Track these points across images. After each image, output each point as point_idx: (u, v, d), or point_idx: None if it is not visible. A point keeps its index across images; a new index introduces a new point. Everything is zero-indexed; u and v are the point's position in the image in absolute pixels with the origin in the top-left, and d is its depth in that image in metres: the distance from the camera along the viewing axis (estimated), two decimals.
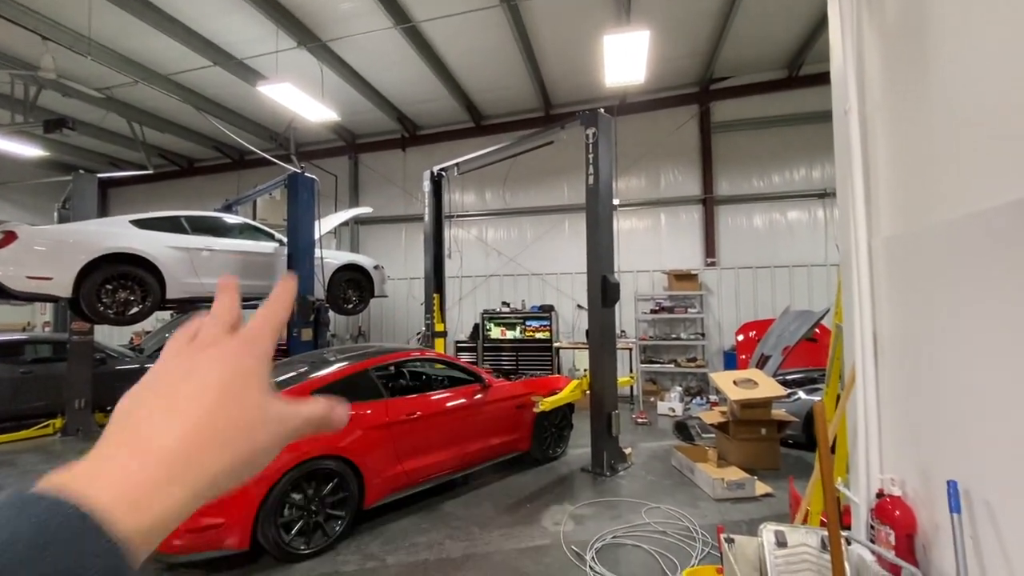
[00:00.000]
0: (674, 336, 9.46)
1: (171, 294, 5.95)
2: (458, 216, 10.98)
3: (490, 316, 10.31)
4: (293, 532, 3.40)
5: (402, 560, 3.46)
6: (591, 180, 5.26)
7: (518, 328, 10.10)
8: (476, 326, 10.50)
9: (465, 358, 9.72)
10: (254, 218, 8.34)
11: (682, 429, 6.68)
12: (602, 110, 5.39)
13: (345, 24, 7.45)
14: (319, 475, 3.55)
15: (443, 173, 7.66)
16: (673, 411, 7.76)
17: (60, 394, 7.48)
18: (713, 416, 5.88)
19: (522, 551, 3.56)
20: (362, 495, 3.78)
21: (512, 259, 10.98)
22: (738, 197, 9.78)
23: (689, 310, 9.31)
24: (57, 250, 5.25)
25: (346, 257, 7.92)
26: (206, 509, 3.07)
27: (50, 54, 6.86)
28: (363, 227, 12.21)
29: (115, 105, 9.62)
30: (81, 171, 7.96)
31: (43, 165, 12.48)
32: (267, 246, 7.06)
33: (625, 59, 6.11)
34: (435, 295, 7.59)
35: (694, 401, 8.22)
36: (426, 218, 7.60)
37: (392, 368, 5.12)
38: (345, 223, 10.09)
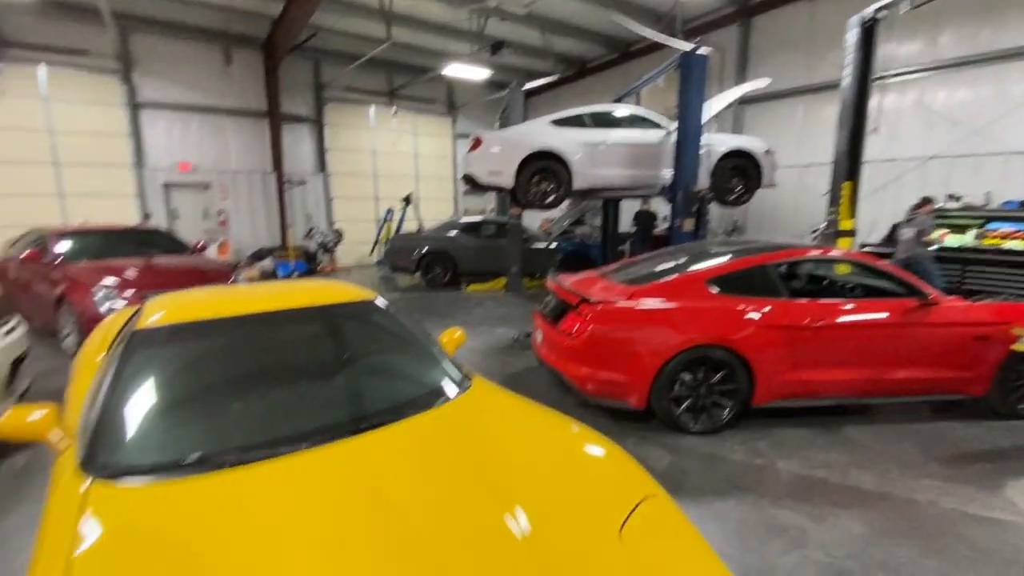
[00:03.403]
0: None
1: (576, 185, 6.87)
2: (892, 75, 8.21)
3: None
4: (682, 407, 3.60)
5: (795, 469, 3.20)
6: None
7: (970, 232, 7.25)
8: (894, 226, 8.11)
9: None
10: None
11: None
12: None
13: None
14: (710, 362, 3.56)
15: (880, 15, 5.67)
16: None
17: (503, 261, 10.19)
18: None
19: (971, 517, 2.72)
20: (751, 392, 3.63)
21: (978, 131, 7.63)
22: None
23: None
24: (504, 150, 6.75)
25: (734, 142, 7.22)
26: (615, 365, 3.56)
27: None
28: (749, 107, 10.81)
29: (533, 20, 11.18)
30: (514, 83, 9.81)
31: (484, 86, 16.10)
32: (654, 135, 7.13)
33: None
34: (846, 183, 6.12)
35: None
36: (845, 81, 5.96)
37: (789, 267, 4.51)
38: (730, 104, 9.11)
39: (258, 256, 11.46)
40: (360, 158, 14.84)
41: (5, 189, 9.75)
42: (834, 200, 6.18)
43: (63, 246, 5.91)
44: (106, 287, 5.12)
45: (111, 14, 9.04)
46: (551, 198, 6.92)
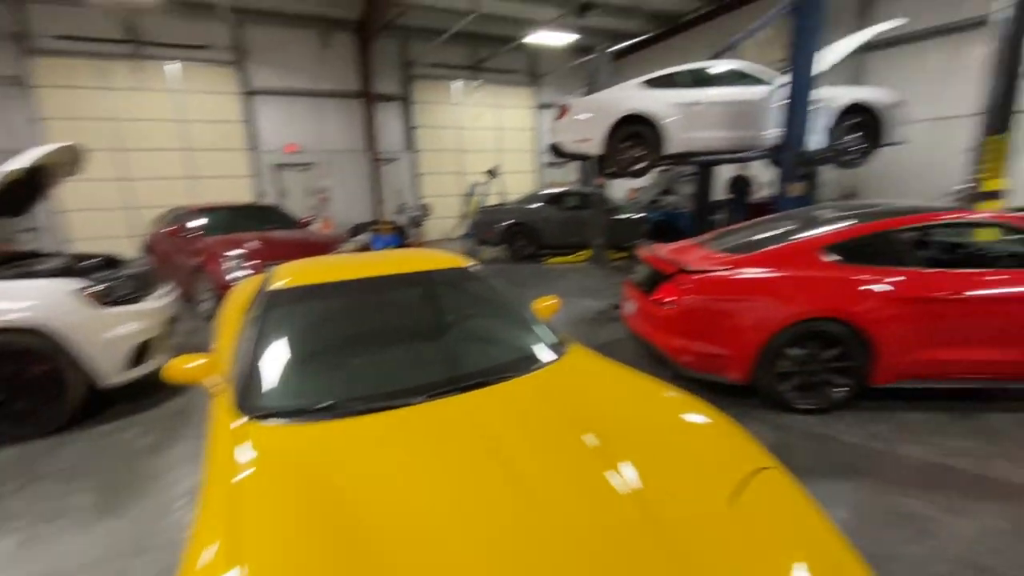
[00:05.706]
0: None
1: (669, 149, 6.52)
2: None
3: None
4: (790, 385, 3.37)
5: (922, 456, 2.90)
6: None
7: None
8: None
9: None
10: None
11: None
12: None
13: None
14: (823, 337, 3.29)
15: None
16: None
17: (586, 233, 10.02)
18: None
19: None
20: (869, 370, 3.31)
21: None
22: None
23: None
24: (593, 116, 6.54)
25: (855, 94, 6.41)
26: (715, 338, 3.40)
27: None
28: (871, 54, 9.53)
29: None
30: (601, 45, 9.40)
31: (568, 53, 15.60)
32: (756, 91, 6.54)
33: None
34: (996, 136, 5.25)
35: None
36: (1002, 14, 5.03)
37: (921, 232, 3.99)
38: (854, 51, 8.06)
39: (355, 231, 12.22)
40: (445, 134, 15.14)
41: (143, 173, 11.19)
42: (981, 157, 5.33)
43: (197, 221, 6.71)
44: (233, 258, 5.75)
45: (228, 9, 9.84)
46: (640, 165, 6.65)
